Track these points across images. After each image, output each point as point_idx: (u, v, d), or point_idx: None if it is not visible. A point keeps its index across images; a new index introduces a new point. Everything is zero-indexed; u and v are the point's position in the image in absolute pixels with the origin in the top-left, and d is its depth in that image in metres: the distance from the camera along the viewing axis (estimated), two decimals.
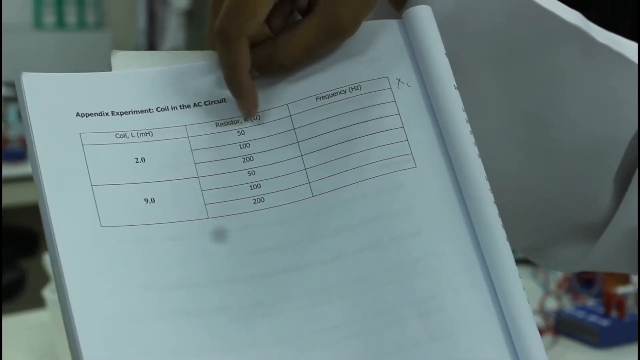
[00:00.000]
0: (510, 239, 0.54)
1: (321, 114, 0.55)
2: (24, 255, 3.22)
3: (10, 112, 3.25)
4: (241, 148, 0.54)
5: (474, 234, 0.53)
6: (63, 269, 0.50)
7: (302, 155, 0.54)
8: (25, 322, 1.46)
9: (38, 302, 1.37)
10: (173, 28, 8.89)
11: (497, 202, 0.54)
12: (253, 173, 0.54)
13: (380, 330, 0.51)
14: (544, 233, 0.69)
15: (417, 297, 0.52)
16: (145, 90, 0.55)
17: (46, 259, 1.40)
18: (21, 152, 3.04)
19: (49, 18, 8.32)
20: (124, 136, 0.53)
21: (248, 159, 0.54)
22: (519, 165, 0.65)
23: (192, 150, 0.54)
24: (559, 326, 1.42)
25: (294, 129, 0.54)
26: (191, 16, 9.14)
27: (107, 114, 0.54)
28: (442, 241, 0.52)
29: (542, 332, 1.37)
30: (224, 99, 0.55)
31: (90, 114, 0.53)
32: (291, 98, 0.55)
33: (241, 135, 0.54)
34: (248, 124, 0.54)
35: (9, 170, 2.93)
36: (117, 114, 0.54)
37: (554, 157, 0.65)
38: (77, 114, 0.53)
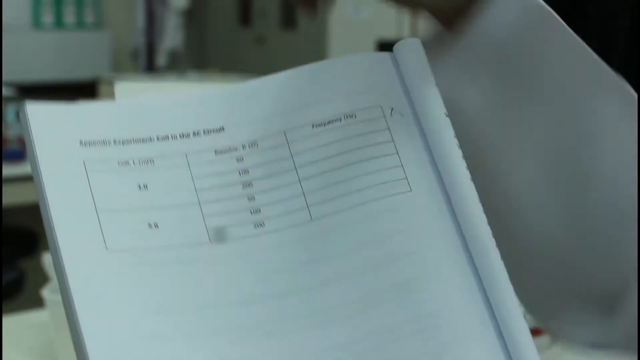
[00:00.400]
0: (526, 302, 0.56)
1: (318, 141, 0.57)
2: (23, 255, 3.22)
3: (9, 112, 3.24)
4: (240, 175, 0.56)
5: (469, 253, 0.55)
6: (71, 292, 0.51)
7: (300, 181, 0.56)
8: (24, 322, 1.46)
9: (37, 302, 1.37)
10: (172, 28, 8.90)
11: (517, 258, 0.57)
12: (253, 198, 0.56)
13: (380, 348, 0.53)
14: (560, 297, 0.67)
15: (414, 315, 0.53)
16: (146, 120, 0.57)
17: (45, 258, 1.40)
18: (20, 152, 3.04)
19: (48, 18, 8.33)
20: (126, 164, 0.55)
21: (247, 185, 0.56)
22: (544, 209, 0.64)
23: (192, 177, 0.56)
24: None
25: (292, 155, 0.57)
26: (190, 16, 9.15)
27: (109, 142, 0.56)
28: (438, 260, 0.55)
29: (540, 332, 1.37)
30: (222, 127, 0.58)
31: (94, 142, 0.55)
32: (288, 125, 0.57)
33: (240, 162, 0.57)
34: (246, 151, 0.57)
35: (8, 170, 2.93)
36: (120, 142, 0.56)
37: (583, 208, 0.64)
38: (81, 142, 0.55)
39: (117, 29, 8.65)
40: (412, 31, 5.30)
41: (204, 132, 0.57)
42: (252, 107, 0.58)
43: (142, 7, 8.65)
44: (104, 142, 0.56)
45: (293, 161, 0.57)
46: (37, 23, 8.10)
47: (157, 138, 0.56)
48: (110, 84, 6.12)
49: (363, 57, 0.60)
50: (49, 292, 1.30)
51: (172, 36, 8.82)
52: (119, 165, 0.55)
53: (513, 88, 0.63)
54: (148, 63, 8.59)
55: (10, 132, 3.13)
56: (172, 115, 0.57)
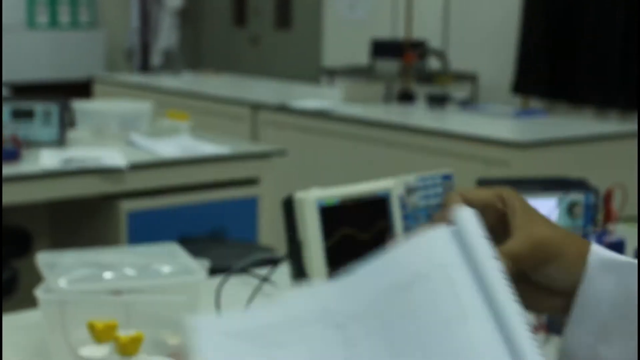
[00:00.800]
0: None
1: (399, 302, 0.77)
2: (17, 254, 3.22)
3: (4, 111, 3.24)
4: (343, 337, 0.77)
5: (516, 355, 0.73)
6: None
7: (384, 331, 0.77)
8: (17, 321, 1.46)
9: (31, 302, 1.37)
10: (166, 27, 8.87)
11: None
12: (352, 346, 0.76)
13: None
14: None
15: None
16: (275, 316, 0.79)
17: (39, 258, 1.40)
18: (14, 151, 3.04)
19: (42, 18, 8.31)
20: (259, 345, 0.76)
21: (350, 345, 0.77)
22: None
23: (309, 349, 0.77)
24: (552, 325, 1.42)
25: (383, 319, 0.77)
26: (185, 16, 9.11)
27: (248, 333, 0.77)
28: None
29: (534, 330, 1.37)
30: (329, 308, 0.78)
31: (237, 335, 0.76)
32: (379, 295, 0.78)
33: (343, 329, 0.77)
34: (350, 321, 0.78)
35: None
36: (255, 332, 0.77)
37: None
38: (227, 336, 0.76)
39: (111, 28, 8.64)
40: (407, 31, 5.30)
41: (321, 314, 0.78)
42: (352, 287, 0.80)
43: (137, 6, 8.64)
44: (245, 334, 0.76)
45: (384, 324, 0.77)
46: (31, 22, 8.09)
47: (285, 325, 0.77)
48: (105, 83, 6.12)
49: (430, 233, 0.82)
50: (42, 292, 1.30)
51: (166, 36, 8.80)
52: (254, 349, 0.76)
53: (633, 335, 0.79)
54: (142, 62, 8.58)
55: (4, 132, 3.12)
56: (294, 309, 0.79)
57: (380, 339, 0.77)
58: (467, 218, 0.83)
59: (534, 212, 0.87)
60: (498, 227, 0.88)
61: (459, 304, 0.76)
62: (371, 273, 0.81)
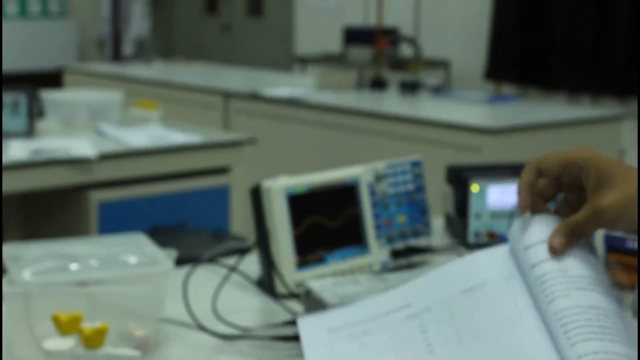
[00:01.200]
0: None
1: (464, 302, 0.98)
2: None
3: None
4: (420, 328, 0.99)
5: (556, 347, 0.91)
6: None
7: (455, 324, 0.97)
8: None
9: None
10: (138, 16, 8.81)
11: None
12: (426, 334, 0.98)
13: None
14: None
15: None
16: (364, 310, 1.05)
17: (3, 250, 1.38)
18: None
19: (12, 7, 8.24)
20: (352, 335, 1.02)
21: (424, 331, 0.98)
22: None
23: (391, 334, 1.01)
24: None
25: (451, 312, 0.98)
26: (156, 4, 9.05)
27: (343, 326, 1.04)
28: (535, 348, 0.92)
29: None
30: (409, 304, 1.01)
31: (335, 328, 1.04)
32: (447, 296, 0.99)
33: (418, 319, 1.00)
34: (424, 313, 0.99)
35: None
36: (349, 325, 1.04)
37: None
38: (328, 330, 1.04)
39: (82, 17, 8.58)
40: (379, 18, 5.29)
41: (399, 308, 1.02)
42: (425, 287, 1.01)
43: None
44: (342, 326, 1.03)
45: (452, 316, 0.97)
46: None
47: (371, 318, 1.02)
48: (76, 73, 6.07)
49: (491, 250, 1.00)
50: (5, 284, 1.28)
51: (138, 24, 8.76)
52: (349, 337, 1.02)
53: None
54: (114, 52, 8.53)
55: None
56: (378, 305, 1.03)
57: (449, 327, 0.96)
58: (516, 233, 1.00)
59: (607, 177, 0.94)
60: (577, 187, 0.98)
61: (516, 307, 0.94)
62: (441, 276, 1.01)
